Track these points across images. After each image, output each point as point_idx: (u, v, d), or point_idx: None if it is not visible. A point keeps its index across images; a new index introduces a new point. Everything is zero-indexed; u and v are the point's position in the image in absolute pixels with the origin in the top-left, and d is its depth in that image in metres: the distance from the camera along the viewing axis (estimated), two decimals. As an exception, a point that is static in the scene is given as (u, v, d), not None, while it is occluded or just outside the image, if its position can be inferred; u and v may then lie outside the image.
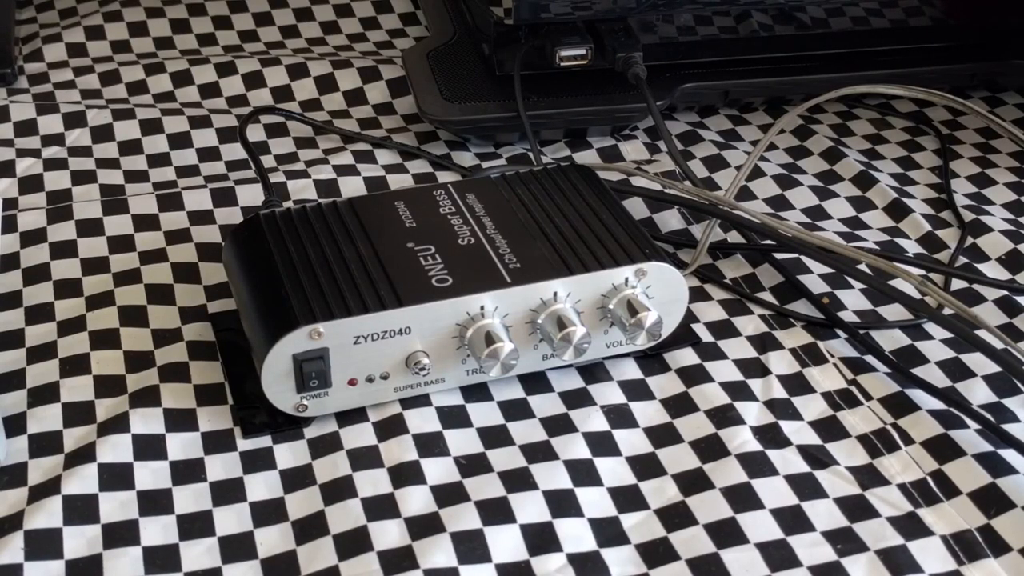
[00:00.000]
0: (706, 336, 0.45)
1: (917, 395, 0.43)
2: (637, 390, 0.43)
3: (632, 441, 0.41)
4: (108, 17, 0.66)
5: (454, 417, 0.41)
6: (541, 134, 0.57)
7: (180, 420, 0.40)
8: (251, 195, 0.52)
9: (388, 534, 0.36)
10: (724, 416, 0.41)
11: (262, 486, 0.38)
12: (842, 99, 0.60)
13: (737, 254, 0.50)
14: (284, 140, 0.57)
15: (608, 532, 0.37)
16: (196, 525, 0.37)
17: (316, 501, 0.38)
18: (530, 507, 0.37)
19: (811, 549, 0.37)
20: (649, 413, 0.42)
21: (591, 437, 0.40)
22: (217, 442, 0.40)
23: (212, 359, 0.43)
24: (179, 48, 0.64)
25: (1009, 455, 0.40)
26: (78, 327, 0.44)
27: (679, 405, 0.42)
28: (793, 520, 0.38)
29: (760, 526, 0.37)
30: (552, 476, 0.39)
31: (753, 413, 0.42)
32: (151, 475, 0.38)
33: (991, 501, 0.38)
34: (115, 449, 0.39)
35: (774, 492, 0.38)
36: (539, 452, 0.40)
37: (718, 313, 0.46)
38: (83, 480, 0.38)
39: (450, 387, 0.41)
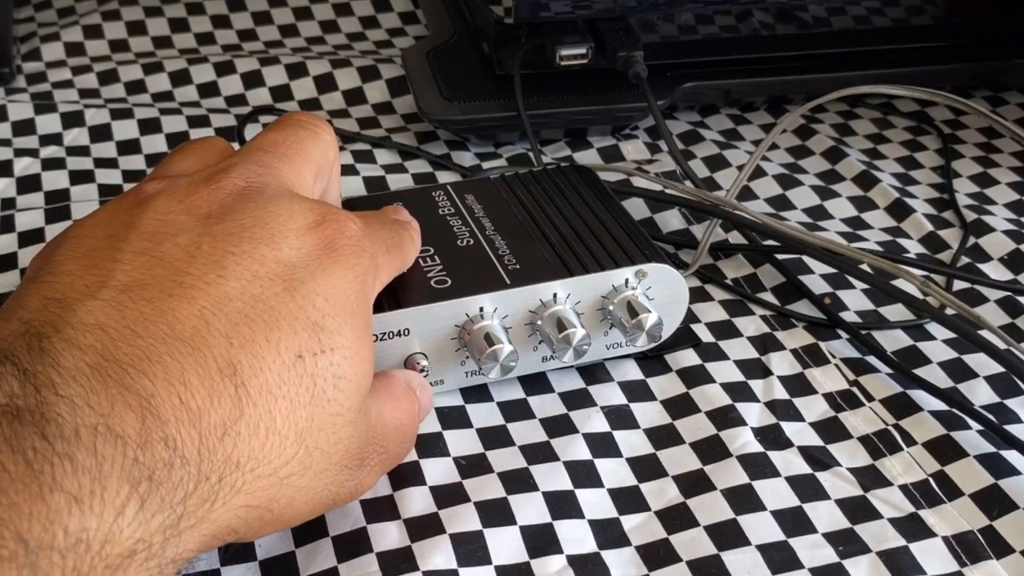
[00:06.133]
0: (707, 337, 0.45)
1: (919, 396, 0.42)
2: (638, 391, 0.42)
3: (633, 442, 0.40)
4: (106, 16, 0.66)
5: (454, 418, 0.41)
6: (541, 134, 0.57)
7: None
8: (250, 195, 0.52)
9: (387, 535, 0.36)
10: (725, 417, 0.41)
11: (261, 488, 0.38)
12: (844, 98, 0.60)
13: (738, 254, 0.50)
14: (283, 140, 0.57)
15: (609, 533, 0.37)
16: (194, 527, 0.37)
17: (315, 503, 0.38)
18: (530, 508, 0.37)
19: (812, 551, 0.37)
20: (650, 414, 0.42)
21: (591, 438, 0.40)
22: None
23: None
24: (177, 47, 0.64)
25: (1011, 456, 0.40)
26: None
27: (680, 406, 0.42)
28: (794, 521, 0.37)
29: (761, 528, 0.37)
30: (552, 477, 0.39)
31: (754, 414, 0.41)
32: (149, 477, 0.38)
33: (993, 502, 0.38)
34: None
35: (775, 493, 0.38)
36: (539, 453, 0.40)
37: (719, 314, 0.46)
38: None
39: (449, 388, 0.41)
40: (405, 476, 0.38)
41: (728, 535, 0.37)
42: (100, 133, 0.56)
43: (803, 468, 0.39)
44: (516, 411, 0.41)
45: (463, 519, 0.37)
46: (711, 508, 0.38)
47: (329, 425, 0.32)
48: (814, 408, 0.42)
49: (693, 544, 0.37)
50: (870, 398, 0.42)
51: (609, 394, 0.42)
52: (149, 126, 0.57)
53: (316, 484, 0.32)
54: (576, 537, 0.37)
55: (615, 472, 0.39)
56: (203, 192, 0.33)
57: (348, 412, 0.32)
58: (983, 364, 0.44)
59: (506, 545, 0.36)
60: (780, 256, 0.49)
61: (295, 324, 0.31)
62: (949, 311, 0.44)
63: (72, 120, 0.57)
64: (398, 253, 0.38)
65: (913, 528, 0.37)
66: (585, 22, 0.55)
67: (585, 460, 0.39)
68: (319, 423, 0.31)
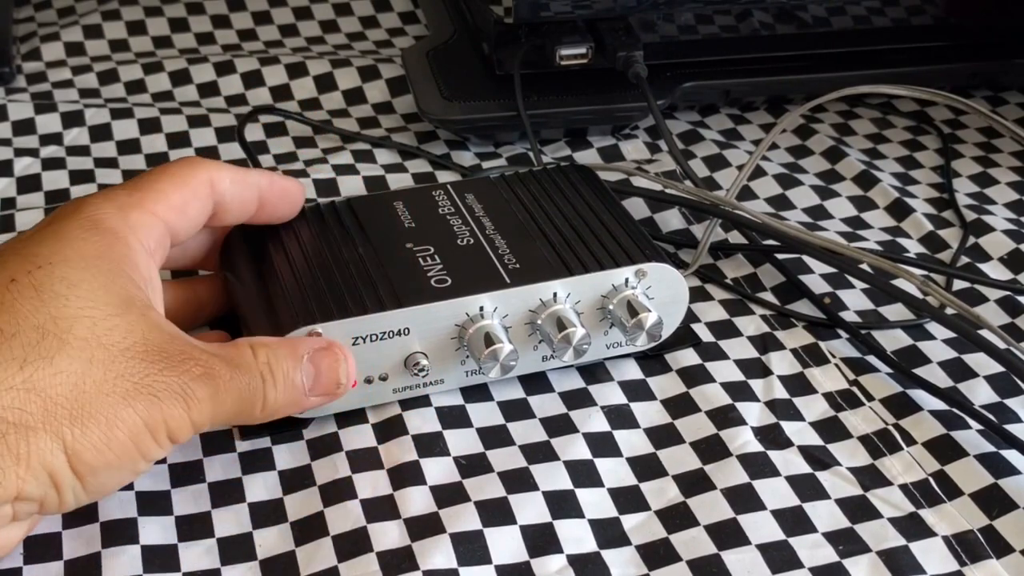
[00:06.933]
0: (707, 336, 0.45)
1: (919, 395, 0.42)
2: (638, 390, 0.42)
3: (633, 442, 0.40)
4: (106, 16, 0.66)
5: (454, 417, 0.41)
6: (541, 133, 0.57)
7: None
8: (250, 195, 0.52)
9: (388, 535, 0.36)
10: (725, 417, 0.41)
11: (261, 487, 0.38)
12: (844, 98, 0.60)
13: (738, 254, 0.50)
14: (283, 140, 0.57)
15: (609, 533, 0.37)
16: (195, 526, 0.37)
17: (315, 502, 0.38)
18: (530, 508, 0.37)
19: (812, 550, 0.37)
20: (650, 414, 0.42)
21: (591, 437, 0.40)
22: (216, 443, 0.39)
23: (211, 359, 0.43)
24: (177, 47, 0.64)
25: (1011, 456, 0.40)
26: (76, 327, 0.44)
27: (680, 405, 0.42)
28: (794, 521, 0.37)
29: (761, 527, 0.37)
30: (552, 477, 0.39)
31: (754, 414, 0.41)
32: (150, 477, 0.38)
33: (993, 502, 0.38)
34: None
35: (775, 493, 0.38)
36: (539, 452, 0.40)
37: (719, 313, 0.46)
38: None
39: (449, 388, 0.41)
40: (405, 476, 0.38)
41: (728, 535, 0.37)
42: (100, 133, 0.56)
43: (803, 468, 0.39)
44: (516, 411, 0.41)
45: (463, 519, 0.37)
46: (711, 508, 0.38)
47: (84, 318, 0.32)
48: (814, 408, 0.42)
49: (693, 544, 0.37)
50: (870, 398, 0.42)
51: (609, 394, 0.42)
52: (149, 126, 0.57)
53: (114, 370, 0.32)
54: (576, 537, 0.37)
55: (615, 472, 0.39)
56: None
57: (104, 306, 0.33)
58: (983, 364, 0.44)
59: (506, 545, 0.36)
60: (780, 256, 0.49)
61: (6, 261, 0.33)
62: (949, 311, 0.44)
63: (72, 120, 0.57)
64: (162, 178, 0.38)
65: (913, 528, 0.37)
66: (585, 22, 0.55)
67: (585, 460, 0.39)
68: (69, 314, 0.32)
